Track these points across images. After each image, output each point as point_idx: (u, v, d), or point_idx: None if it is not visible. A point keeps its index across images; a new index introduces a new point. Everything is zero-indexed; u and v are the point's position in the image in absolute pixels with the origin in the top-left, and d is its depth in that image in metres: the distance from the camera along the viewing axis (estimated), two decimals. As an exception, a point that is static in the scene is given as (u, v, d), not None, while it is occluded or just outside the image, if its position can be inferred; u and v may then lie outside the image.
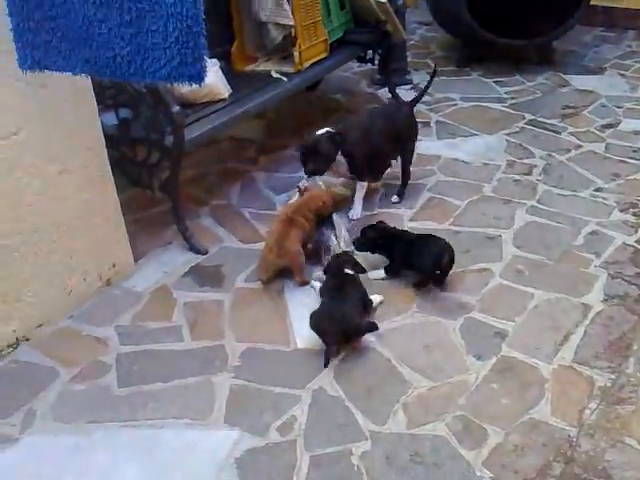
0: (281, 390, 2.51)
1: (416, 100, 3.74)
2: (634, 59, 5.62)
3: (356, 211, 3.56)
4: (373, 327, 2.68)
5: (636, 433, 2.28)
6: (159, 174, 3.22)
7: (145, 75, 2.00)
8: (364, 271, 2.98)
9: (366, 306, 2.83)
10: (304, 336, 2.74)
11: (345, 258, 2.97)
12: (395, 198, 3.71)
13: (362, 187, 3.57)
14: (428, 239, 3.03)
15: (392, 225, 3.17)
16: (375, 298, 2.90)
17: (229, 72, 3.75)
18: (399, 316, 2.85)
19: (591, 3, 5.30)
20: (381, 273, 3.08)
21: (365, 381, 2.53)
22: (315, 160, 3.33)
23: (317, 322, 2.65)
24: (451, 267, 2.97)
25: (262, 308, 2.94)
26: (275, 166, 4.11)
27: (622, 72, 5.37)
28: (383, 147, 3.56)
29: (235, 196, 3.81)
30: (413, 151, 3.73)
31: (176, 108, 2.99)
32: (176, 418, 2.41)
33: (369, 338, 2.72)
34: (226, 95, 3.56)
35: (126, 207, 3.18)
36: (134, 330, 2.84)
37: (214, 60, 3.44)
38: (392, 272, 3.07)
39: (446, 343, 2.71)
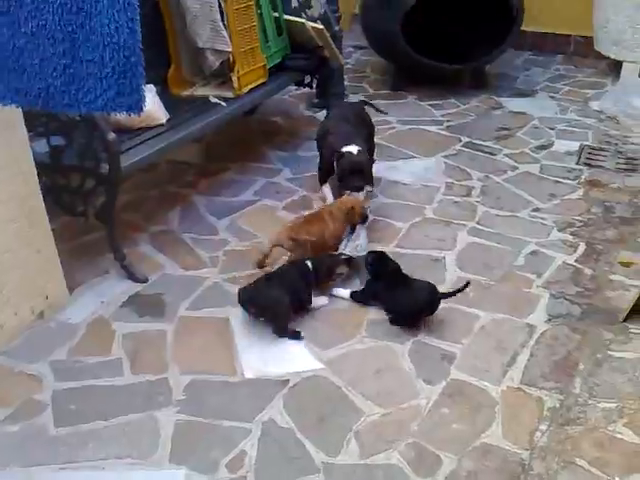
0: (229, 423, 2.42)
1: None
2: (563, 82, 5.81)
3: None
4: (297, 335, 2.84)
5: (586, 454, 2.29)
6: (94, 201, 3.10)
7: (80, 106, 1.94)
8: (328, 276, 3.07)
9: (302, 299, 2.93)
10: (251, 366, 2.67)
11: (327, 259, 3.11)
12: (369, 188, 3.85)
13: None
14: (414, 284, 2.96)
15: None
16: (320, 300, 3.01)
17: (166, 97, 3.68)
18: (348, 342, 2.81)
19: (521, 28, 5.45)
20: (345, 294, 3.05)
21: (316, 410, 2.47)
22: (360, 177, 3.55)
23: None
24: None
25: (207, 338, 2.85)
26: (216, 190, 4.04)
27: (552, 94, 5.53)
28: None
29: (175, 221, 3.71)
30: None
31: (112, 135, 2.91)
32: (119, 458, 2.30)
33: (319, 365, 2.68)
34: (164, 120, 3.49)
35: (59, 235, 3.04)
36: (70, 365, 2.71)
37: (150, 86, 3.35)
38: (356, 300, 3.04)
39: (396, 368, 2.68)
